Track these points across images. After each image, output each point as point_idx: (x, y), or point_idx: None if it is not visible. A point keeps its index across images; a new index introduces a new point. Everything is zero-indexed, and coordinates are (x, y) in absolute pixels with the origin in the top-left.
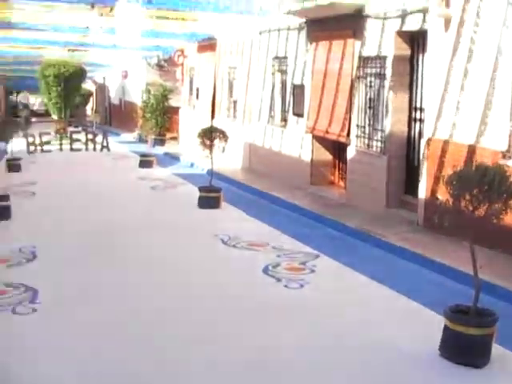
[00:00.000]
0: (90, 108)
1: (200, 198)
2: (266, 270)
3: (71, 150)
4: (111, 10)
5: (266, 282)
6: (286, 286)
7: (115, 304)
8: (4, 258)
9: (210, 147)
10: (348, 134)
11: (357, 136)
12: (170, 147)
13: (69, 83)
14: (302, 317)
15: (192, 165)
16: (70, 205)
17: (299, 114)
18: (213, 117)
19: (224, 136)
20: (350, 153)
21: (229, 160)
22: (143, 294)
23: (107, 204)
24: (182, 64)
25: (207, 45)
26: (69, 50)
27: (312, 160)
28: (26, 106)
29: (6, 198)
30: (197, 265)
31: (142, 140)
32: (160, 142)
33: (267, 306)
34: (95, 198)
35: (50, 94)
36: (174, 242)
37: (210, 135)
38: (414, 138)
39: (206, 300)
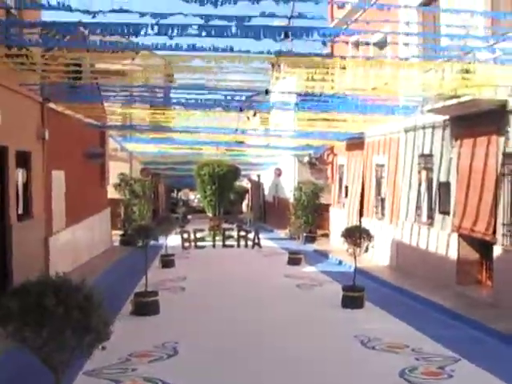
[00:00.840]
0: (245, 205)
1: (343, 297)
2: (402, 374)
3: (223, 246)
4: (254, 114)
5: None
6: None
7: None
8: (147, 353)
9: (354, 246)
10: (494, 232)
11: (503, 234)
12: (320, 244)
13: (222, 182)
14: None
15: (340, 262)
16: (217, 302)
17: (445, 212)
18: (361, 215)
19: (368, 235)
20: (497, 251)
21: (377, 258)
22: None
23: (253, 303)
24: (332, 162)
25: (355, 143)
26: (226, 150)
27: (458, 258)
28: (185, 202)
29: (155, 293)
30: (332, 367)
31: (293, 237)
32: (311, 238)
33: None
34: (242, 295)
35: (204, 192)
36: (312, 343)
37: (353, 234)
38: None
39: None
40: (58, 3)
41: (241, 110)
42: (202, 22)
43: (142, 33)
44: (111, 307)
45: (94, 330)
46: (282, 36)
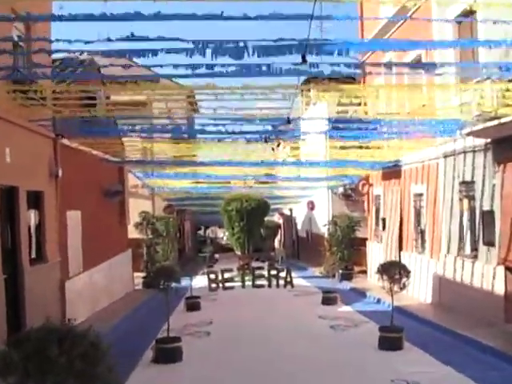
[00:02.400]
0: (277, 241)
1: (380, 339)
2: None
3: (253, 286)
4: (278, 145)
5: None
6: None
7: None
8: None
9: (391, 283)
10: None
11: None
12: (357, 282)
13: (251, 217)
14: None
15: (378, 301)
16: (245, 347)
17: (490, 243)
18: (400, 249)
19: (405, 271)
20: None
21: (418, 294)
22: None
23: (285, 348)
24: (368, 193)
25: (392, 172)
26: (254, 183)
27: (506, 294)
28: (213, 240)
29: (177, 339)
30: None
31: (328, 275)
32: (347, 276)
33: None
34: (272, 338)
35: (232, 228)
36: None
37: (389, 270)
38: None
39: None
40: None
41: (266, 140)
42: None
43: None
44: (131, 354)
45: (99, 378)
46: (300, 60)
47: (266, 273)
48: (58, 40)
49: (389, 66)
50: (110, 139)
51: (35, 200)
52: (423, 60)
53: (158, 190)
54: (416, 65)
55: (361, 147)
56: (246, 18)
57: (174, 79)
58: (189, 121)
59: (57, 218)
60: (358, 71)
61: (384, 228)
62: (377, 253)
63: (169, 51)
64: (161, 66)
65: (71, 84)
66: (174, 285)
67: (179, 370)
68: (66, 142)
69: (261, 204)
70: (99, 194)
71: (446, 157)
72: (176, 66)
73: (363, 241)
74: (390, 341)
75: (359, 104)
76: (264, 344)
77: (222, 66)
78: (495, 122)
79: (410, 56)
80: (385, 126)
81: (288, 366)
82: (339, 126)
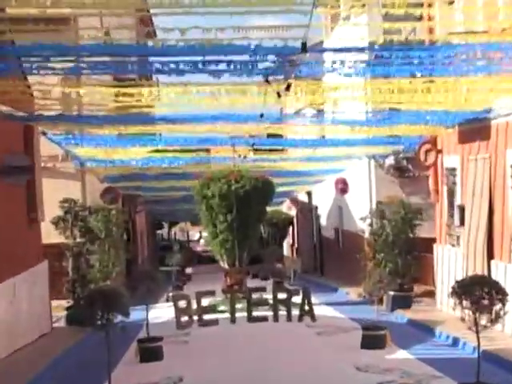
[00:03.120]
0: (287, 245)
1: None
2: None
3: (250, 319)
4: (288, 87)
5: None
6: None
7: None
8: None
9: (476, 314)
10: None
11: None
12: (418, 310)
13: (245, 207)
14: None
15: (455, 342)
16: None
17: None
18: (490, 256)
19: (498, 293)
20: None
21: None
22: None
23: None
24: (435, 165)
25: (475, 129)
26: (250, 151)
27: None
28: (183, 245)
29: None
30: None
31: (371, 299)
32: (403, 301)
33: None
34: None
35: (214, 226)
36: None
37: (473, 292)
38: None
39: None
40: None
41: (267, 80)
42: None
43: None
44: None
45: None
46: None
47: (269, 297)
48: None
49: None
50: (7, 80)
51: None
52: None
53: (91, 165)
54: None
55: (423, 91)
56: None
57: None
58: (140, 50)
59: None
60: None
61: (463, 222)
62: (451, 263)
63: None
64: None
65: None
66: (119, 319)
67: None
68: None
69: (260, 185)
70: None
71: None
72: None
73: (428, 243)
74: None
75: (420, 18)
76: None
77: None
78: None
79: None
80: (463, 54)
81: None
82: (387, 55)
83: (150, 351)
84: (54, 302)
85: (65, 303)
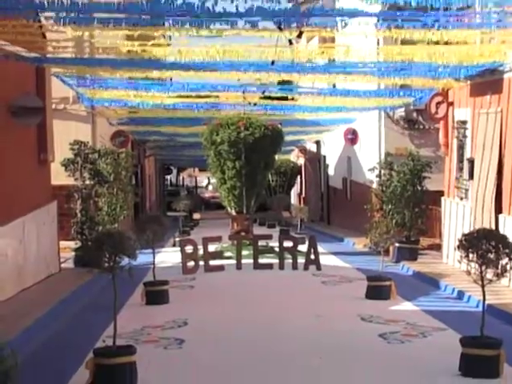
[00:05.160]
0: (295, 194)
1: (464, 358)
2: None
3: (255, 266)
4: (299, 35)
5: None
6: None
7: None
8: None
9: (482, 267)
10: None
11: None
12: (424, 263)
13: (254, 155)
14: None
15: (460, 296)
16: (238, 372)
17: None
18: (499, 210)
19: (505, 247)
20: None
21: None
22: None
23: (306, 373)
24: (446, 117)
25: (487, 82)
26: (260, 98)
27: None
28: (191, 191)
29: (127, 351)
30: None
31: (377, 250)
32: (409, 253)
33: None
34: (286, 357)
35: (223, 172)
36: None
37: (480, 245)
38: None
39: None
40: None
41: (279, 27)
42: None
43: None
44: (52, 376)
45: None
46: None
47: (275, 245)
48: None
49: None
50: (21, 21)
51: None
52: None
53: (101, 107)
54: None
55: (437, 42)
56: None
57: None
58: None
59: None
60: None
61: (472, 176)
62: (459, 216)
63: None
64: None
65: None
66: (126, 262)
67: None
68: None
69: (270, 133)
70: (2, 113)
71: None
72: None
73: (436, 196)
74: (480, 362)
75: None
76: (271, 368)
77: None
78: None
79: None
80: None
81: None
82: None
83: (156, 294)
84: (62, 244)
85: (73, 245)
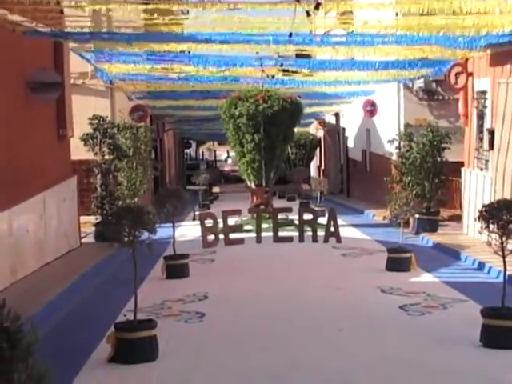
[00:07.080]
0: (315, 166)
1: (484, 329)
2: None
3: (275, 239)
4: (317, 6)
5: None
6: None
7: None
8: None
9: (503, 238)
10: None
11: None
12: (445, 235)
13: (273, 128)
14: None
15: (481, 267)
16: (259, 343)
17: None
18: None
19: None
20: None
21: None
22: None
23: (325, 344)
24: (465, 88)
25: (507, 52)
26: (278, 71)
27: None
28: (210, 165)
29: (149, 326)
30: None
31: (397, 222)
32: (429, 224)
33: None
34: (305, 330)
35: (242, 146)
36: None
37: (500, 216)
38: None
39: None
40: None
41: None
42: None
43: None
44: (74, 350)
45: None
46: None
47: (295, 218)
48: None
49: None
50: None
51: None
52: None
53: (120, 82)
54: None
55: (454, 12)
56: None
57: None
58: None
59: None
60: None
61: (492, 146)
62: (479, 187)
63: None
64: None
65: None
66: (146, 236)
67: (151, 375)
68: None
69: (289, 106)
70: (21, 88)
71: None
72: None
73: (456, 167)
74: (500, 333)
75: None
76: (292, 340)
77: None
78: None
79: None
80: None
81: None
82: None
83: (176, 268)
84: (83, 218)
85: (93, 219)
